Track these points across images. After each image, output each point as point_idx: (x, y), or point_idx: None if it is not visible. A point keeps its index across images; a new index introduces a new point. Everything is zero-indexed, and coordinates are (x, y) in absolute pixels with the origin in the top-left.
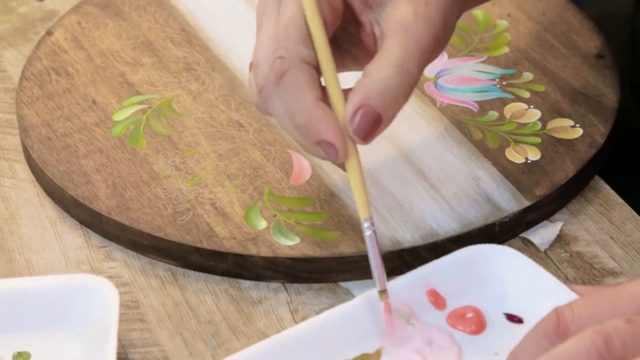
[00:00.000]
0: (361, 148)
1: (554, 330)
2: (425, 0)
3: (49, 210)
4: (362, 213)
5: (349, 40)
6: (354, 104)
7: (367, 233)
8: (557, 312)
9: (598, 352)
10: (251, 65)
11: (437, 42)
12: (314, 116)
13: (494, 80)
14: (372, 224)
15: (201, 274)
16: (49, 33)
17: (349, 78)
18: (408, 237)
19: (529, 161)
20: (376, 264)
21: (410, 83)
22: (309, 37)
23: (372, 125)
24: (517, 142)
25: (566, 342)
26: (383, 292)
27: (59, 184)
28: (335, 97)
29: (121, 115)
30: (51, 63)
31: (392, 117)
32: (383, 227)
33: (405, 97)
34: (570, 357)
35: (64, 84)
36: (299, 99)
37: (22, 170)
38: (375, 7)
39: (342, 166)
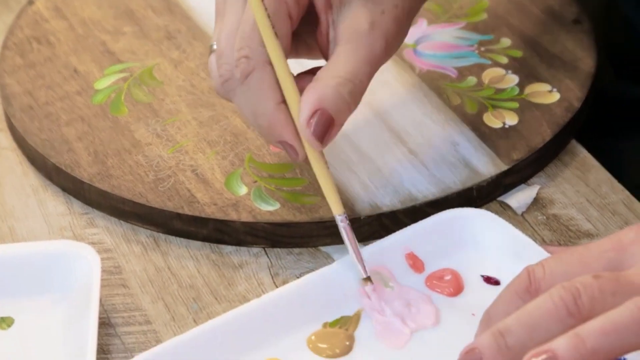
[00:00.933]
0: None
1: (526, 288)
2: (382, 8)
3: (31, 178)
4: (334, 209)
5: (304, 29)
6: (308, 108)
7: (342, 226)
8: (529, 271)
9: (566, 308)
10: (211, 48)
11: (390, 49)
12: (275, 119)
13: (472, 46)
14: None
15: (183, 239)
16: (30, 2)
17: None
18: (387, 201)
19: (506, 126)
20: (355, 255)
21: (360, 90)
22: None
23: (326, 128)
24: (495, 107)
25: (536, 299)
26: (366, 279)
27: (41, 152)
28: (292, 102)
29: (102, 83)
30: (33, 32)
31: (344, 121)
32: (362, 191)
33: (356, 102)
34: (539, 314)
35: (46, 52)
36: (261, 101)
37: (5, 138)
38: (335, 8)
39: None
